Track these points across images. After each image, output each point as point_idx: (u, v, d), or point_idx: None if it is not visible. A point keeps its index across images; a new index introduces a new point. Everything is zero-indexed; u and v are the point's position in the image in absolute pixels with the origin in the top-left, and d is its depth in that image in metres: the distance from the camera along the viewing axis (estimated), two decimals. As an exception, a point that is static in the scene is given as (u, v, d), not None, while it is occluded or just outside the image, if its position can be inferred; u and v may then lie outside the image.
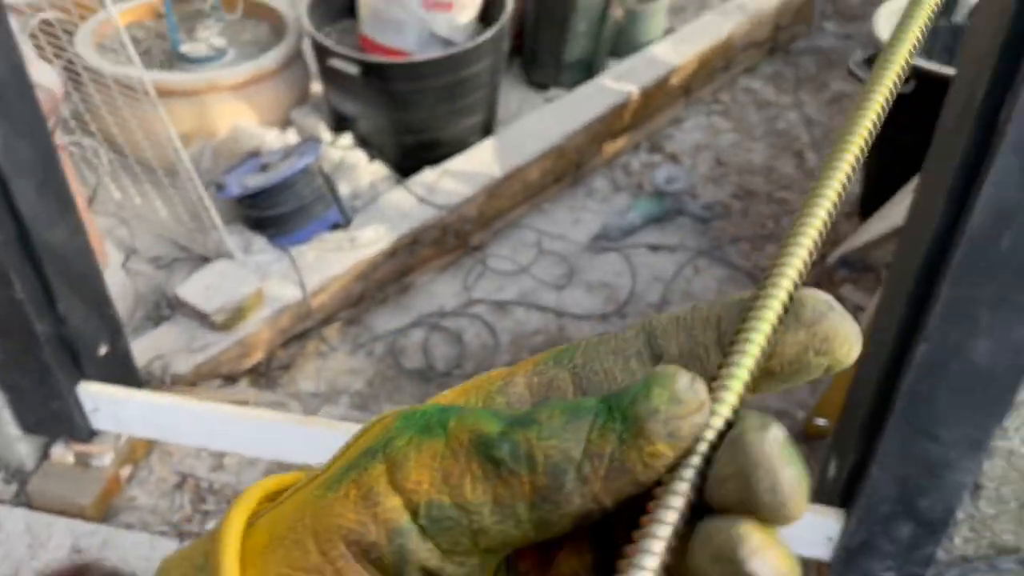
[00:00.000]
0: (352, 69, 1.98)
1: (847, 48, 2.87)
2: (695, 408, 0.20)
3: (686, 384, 0.20)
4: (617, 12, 2.25)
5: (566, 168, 2.31)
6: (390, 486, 0.21)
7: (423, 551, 0.21)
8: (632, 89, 2.36)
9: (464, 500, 0.20)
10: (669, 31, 2.63)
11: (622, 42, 2.50)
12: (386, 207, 2.02)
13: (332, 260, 1.91)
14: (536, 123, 2.29)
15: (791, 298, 0.21)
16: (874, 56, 1.85)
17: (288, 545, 0.22)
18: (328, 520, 0.21)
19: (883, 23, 1.95)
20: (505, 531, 0.20)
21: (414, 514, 0.21)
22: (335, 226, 1.93)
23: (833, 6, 3.13)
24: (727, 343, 0.21)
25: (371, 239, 1.92)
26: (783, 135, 2.60)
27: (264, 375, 1.87)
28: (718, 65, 2.65)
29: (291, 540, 0.22)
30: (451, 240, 2.10)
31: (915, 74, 1.72)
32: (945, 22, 2.01)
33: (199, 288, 1.76)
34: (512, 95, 2.45)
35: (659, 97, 2.47)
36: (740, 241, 2.23)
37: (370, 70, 1.99)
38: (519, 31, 2.42)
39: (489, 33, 2.05)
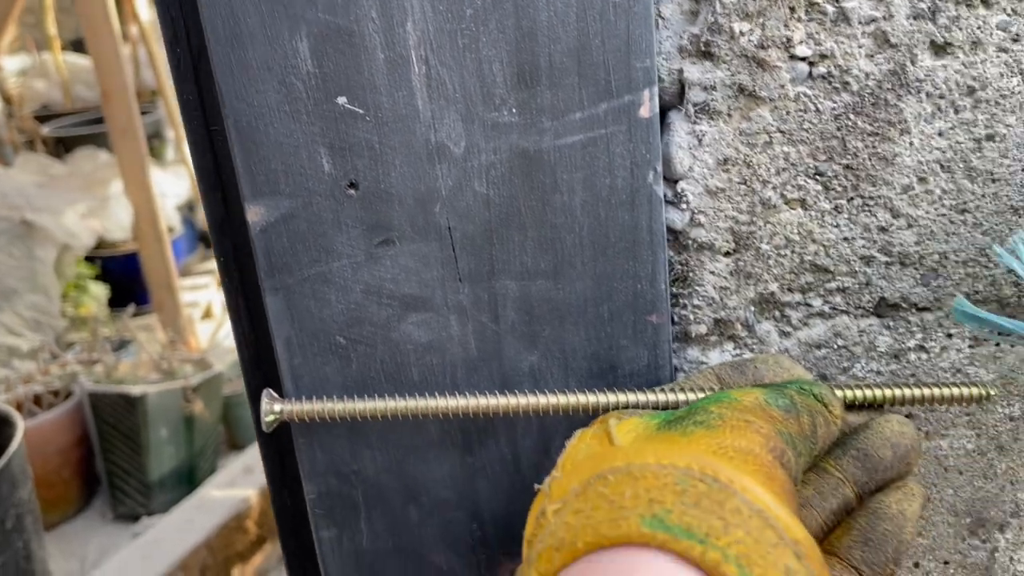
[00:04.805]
0: None
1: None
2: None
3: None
4: (196, 407, 1.80)
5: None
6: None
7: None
8: (250, 492, 1.88)
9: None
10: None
11: (240, 431, 2.05)
12: None
13: None
14: (118, 570, 1.72)
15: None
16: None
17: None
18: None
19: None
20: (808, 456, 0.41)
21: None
22: None
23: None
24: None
25: None
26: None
27: None
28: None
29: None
30: None
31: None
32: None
33: None
34: (93, 538, 1.88)
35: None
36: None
37: None
38: (83, 458, 1.90)
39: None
